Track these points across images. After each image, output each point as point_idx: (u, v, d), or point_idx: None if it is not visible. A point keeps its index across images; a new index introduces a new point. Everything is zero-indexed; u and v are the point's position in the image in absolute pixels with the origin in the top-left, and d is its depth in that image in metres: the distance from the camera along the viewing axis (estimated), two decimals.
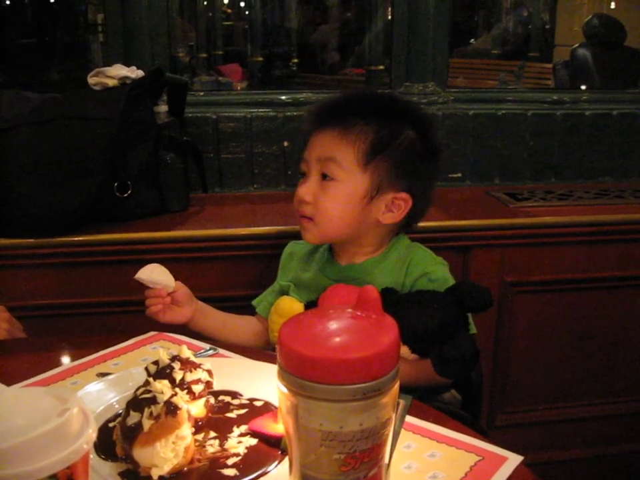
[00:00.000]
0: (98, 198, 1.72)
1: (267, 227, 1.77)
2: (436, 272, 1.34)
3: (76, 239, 1.71)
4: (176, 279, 1.37)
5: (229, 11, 5.76)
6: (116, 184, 1.77)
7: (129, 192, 1.79)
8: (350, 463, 0.63)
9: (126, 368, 1.07)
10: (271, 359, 1.07)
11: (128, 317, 1.64)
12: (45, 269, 1.74)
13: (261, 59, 4.90)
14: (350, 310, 0.66)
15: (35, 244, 1.69)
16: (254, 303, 1.54)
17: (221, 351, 1.16)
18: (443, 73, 2.17)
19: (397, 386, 0.65)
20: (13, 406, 0.62)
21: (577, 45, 4.40)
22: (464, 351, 1.14)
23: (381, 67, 3.13)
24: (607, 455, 2.10)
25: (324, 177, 1.33)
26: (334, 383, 0.61)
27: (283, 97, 2.11)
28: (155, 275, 1.31)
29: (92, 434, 0.62)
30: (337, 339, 0.63)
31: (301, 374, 0.62)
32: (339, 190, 1.32)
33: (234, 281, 1.78)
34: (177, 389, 0.85)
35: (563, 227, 1.89)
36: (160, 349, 1.16)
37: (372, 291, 0.66)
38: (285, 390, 0.64)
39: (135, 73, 1.82)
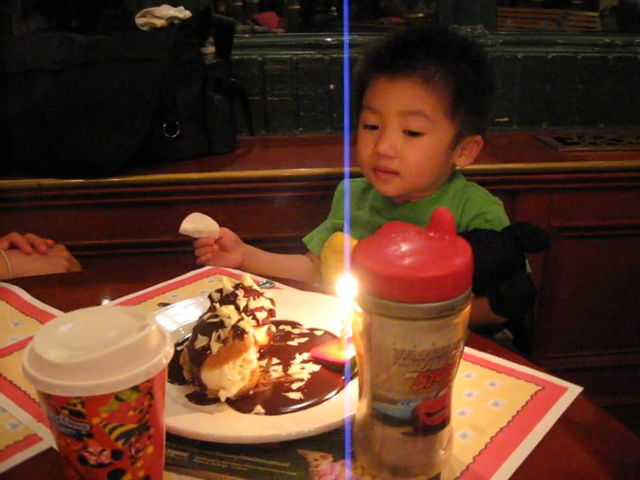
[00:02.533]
0: (147, 139, 1.73)
1: (315, 168, 1.77)
2: (492, 212, 1.33)
3: (124, 179, 1.73)
4: (224, 220, 1.37)
5: None
6: (164, 125, 1.78)
7: (178, 133, 1.80)
8: (422, 382, 0.64)
9: (185, 299, 1.08)
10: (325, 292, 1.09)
11: (177, 257, 1.66)
12: (94, 209, 1.77)
13: (297, 6, 4.82)
14: (423, 231, 0.67)
15: (84, 184, 1.72)
16: (304, 240, 1.55)
17: (277, 284, 1.17)
18: (491, 14, 2.13)
19: (469, 308, 0.65)
20: (99, 322, 0.64)
21: None
22: (522, 290, 1.14)
23: (420, 15, 3.07)
24: None
25: (409, 132, 1.28)
26: (408, 301, 0.61)
27: (329, 39, 2.08)
28: (197, 224, 1.31)
29: (169, 350, 0.64)
30: (412, 259, 0.63)
31: (376, 292, 0.62)
32: (428, 144, 1.28)
33: (282, 221, 1.79)
34: (242, 315, 0.86)
35: (612, 172, 1.86)
36: (217, 281, 1.18)
37: (445, 213, 0.66)
38: (359, 309, 0.64)
39: (182, 13, 1.82)
